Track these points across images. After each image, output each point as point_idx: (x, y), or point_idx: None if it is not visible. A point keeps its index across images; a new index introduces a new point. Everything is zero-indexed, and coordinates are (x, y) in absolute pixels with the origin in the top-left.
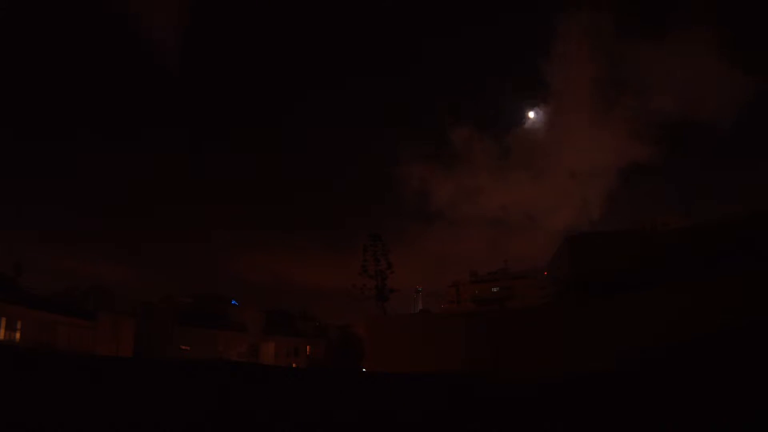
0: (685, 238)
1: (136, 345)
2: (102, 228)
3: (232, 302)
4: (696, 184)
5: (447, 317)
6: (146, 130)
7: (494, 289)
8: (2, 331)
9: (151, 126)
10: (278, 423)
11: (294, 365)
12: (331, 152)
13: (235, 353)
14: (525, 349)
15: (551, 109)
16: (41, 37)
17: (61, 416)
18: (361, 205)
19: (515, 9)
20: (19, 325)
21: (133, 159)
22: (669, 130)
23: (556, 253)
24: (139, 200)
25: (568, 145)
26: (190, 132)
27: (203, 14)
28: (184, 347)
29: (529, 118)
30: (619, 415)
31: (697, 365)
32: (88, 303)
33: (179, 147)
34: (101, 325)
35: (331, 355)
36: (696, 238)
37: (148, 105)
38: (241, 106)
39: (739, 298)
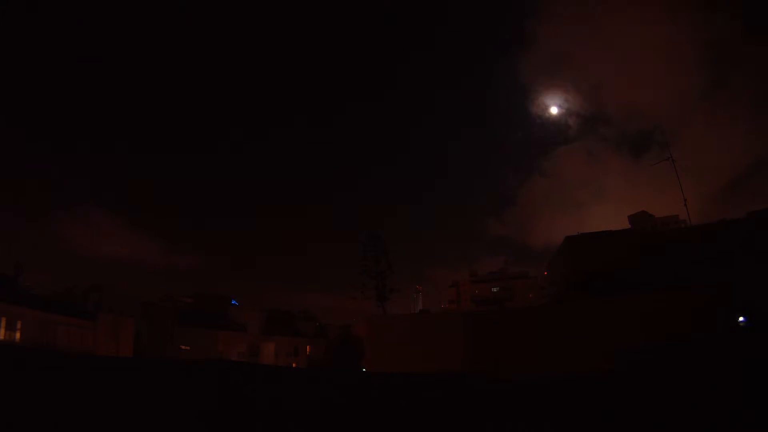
0: (685, 240)
1: (136, 345)
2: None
3: (232, 302)
4: None
5: (447, 317)
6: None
7: (494, 289)
8: (2, 331)
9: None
10: (277, 422)
11: (294, 365)
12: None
13: (235, 353)
14: (524, 348)
15: None
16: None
17: (61, 416)
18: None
19: None
20: (19, 325)
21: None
22: None
23: (555, 253)
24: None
25: None
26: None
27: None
28: (184, 347)
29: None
30: (619, 414)
31: (696, 365)
32: (88, 303)
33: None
34: (101, 325)
35: (331, 355)
36: (696, 239)
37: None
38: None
39: (738, 299)
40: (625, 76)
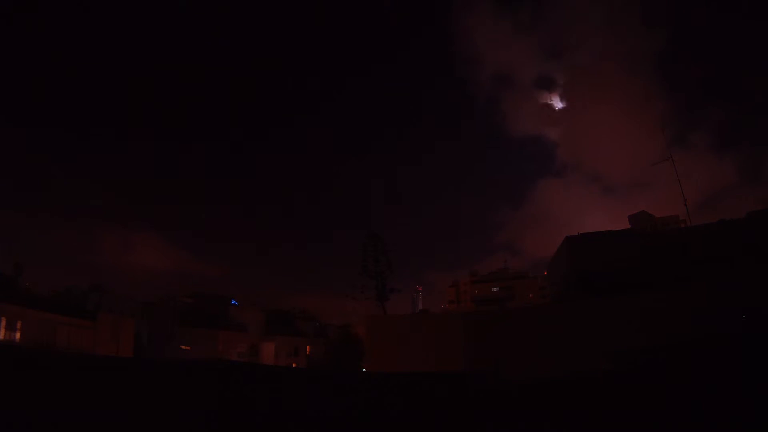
0: (685, 240)
1: (136, 345)
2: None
3: (232, 302)
4: None
5: (447, 317)
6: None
7: (494, 289)
8: (2, 331)
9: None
10: (277, 422)
11: (294, 365)
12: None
13: (235, 353)
14: (525, 349)
15: None
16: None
17: (62, 416)
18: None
19: None
20: (19, 325)
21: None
22: None
23: (556, 253)
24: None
25: None
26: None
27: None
28: (184, 347)
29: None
30: (619, 415)
31: (697, 365)
32: (88, 303)
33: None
34: (101, 325)
35: (331, 355)
36: (696, 239)
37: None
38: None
39: (738, 299)
40: (600, 136)
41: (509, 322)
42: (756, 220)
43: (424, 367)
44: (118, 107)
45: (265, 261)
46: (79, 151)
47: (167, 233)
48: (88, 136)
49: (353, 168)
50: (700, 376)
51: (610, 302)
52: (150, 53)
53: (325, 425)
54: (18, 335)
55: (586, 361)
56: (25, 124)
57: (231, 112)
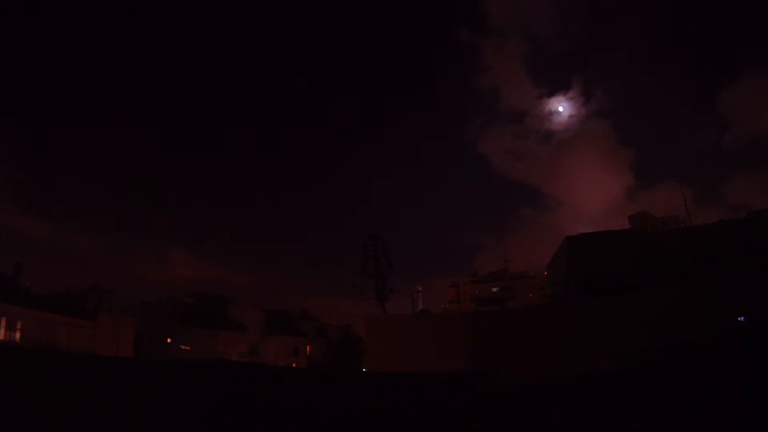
0: (685, 240)
1: (136, 345)
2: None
3: (232, 302)
4: None
5: (447, 317)
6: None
7: (494, 289)
8: (2, 331)
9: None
10: (277, 422)
11: (294, 365)
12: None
13: (235, 353)
14: (525, 349)
15: None
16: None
17: (62, 416)
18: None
19: None
20: (19, 325)
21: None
22: None
23: (556, 253)
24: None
25: None
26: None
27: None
28: (184, 347)
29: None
30: (619, 415)
31: (697, 365)
32: (88, 303)
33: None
34: (101, 325)
35: (331, 355)
36: (696, 240)
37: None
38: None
39: (738, 299)
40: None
41: (509, 322)
42: (756, 221)
43: (424, 367)
44: (116, 104)
45: (265, 261)
46: (78, 149)
47: (167, 234)
48: (88, 134)
49: (354, 168)
50: (700, 376)
51: (610, 302)
52: (152, 54)
53: (325, 425)
54: (18, 335)
55: (586, 361)
56: (25, 122)
57: (229, 111)
